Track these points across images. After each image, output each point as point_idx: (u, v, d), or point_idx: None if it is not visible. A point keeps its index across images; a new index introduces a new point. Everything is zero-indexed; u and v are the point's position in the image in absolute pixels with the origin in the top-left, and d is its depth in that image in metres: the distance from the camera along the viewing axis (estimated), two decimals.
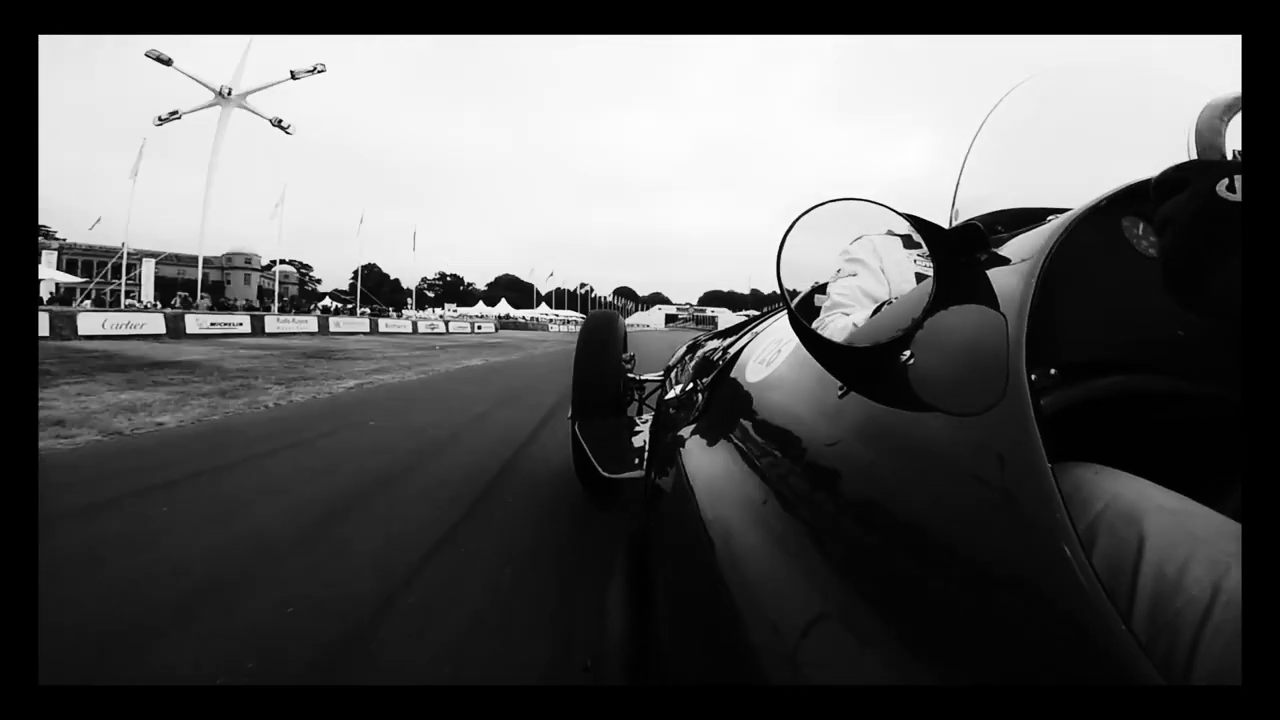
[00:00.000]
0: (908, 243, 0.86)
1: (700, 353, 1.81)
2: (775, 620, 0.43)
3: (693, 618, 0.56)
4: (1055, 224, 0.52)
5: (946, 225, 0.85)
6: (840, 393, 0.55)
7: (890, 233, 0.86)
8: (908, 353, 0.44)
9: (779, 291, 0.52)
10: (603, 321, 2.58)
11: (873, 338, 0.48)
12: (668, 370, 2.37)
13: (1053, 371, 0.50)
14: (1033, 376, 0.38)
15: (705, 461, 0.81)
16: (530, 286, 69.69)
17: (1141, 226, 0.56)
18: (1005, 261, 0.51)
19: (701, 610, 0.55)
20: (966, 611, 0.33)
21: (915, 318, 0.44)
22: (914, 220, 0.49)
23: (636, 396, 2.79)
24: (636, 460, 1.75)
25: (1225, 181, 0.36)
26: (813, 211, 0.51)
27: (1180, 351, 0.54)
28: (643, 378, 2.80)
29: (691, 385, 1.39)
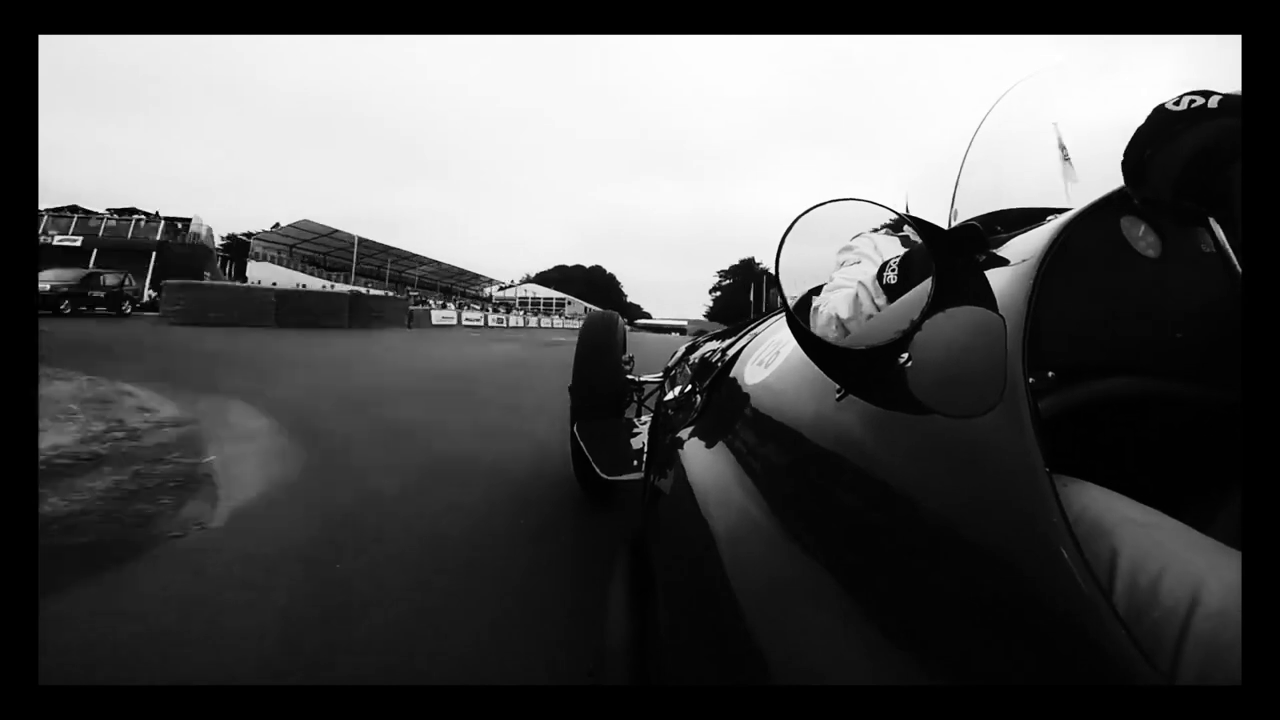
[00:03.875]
0: (905, 241, 0.86)
1: (699, 354, 1.80)
2: (775, 621, 0.43)
3: (693, 619, 0.56)
4: (1055, 224, 0.52)
5: (946, 225, 0.85)
6: (838, 395, 0.55)
7: (888, 231, 0.87)
8: (905, 355, 0.44)
9: (778, 293, 0.52)
10: (602, 322, 2.59)
11: (870, 340, 0.48)
12: (667, 371, 2.37)
13: (1050, 374, 0.50)
14: (1030, 379, 0.38)
15: (704, 463, 0.80)
16: None
17: (1141, 227, 0.56)
18: (1004, 262, 0.51)
19: (701, 612, 0.55)
20: (965, 613, 0.33)
21: (914, 320, 0.44)
22: (914, 221, 0.49)
23: (636, 398, 2.79)
24: (635, 462, 1.74)
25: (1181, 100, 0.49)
26: (811, 212, 0.51)
27: (1178, 354, 0.54)
28: (642, 379, 2.80)
29: (690, 387, 1.38)
